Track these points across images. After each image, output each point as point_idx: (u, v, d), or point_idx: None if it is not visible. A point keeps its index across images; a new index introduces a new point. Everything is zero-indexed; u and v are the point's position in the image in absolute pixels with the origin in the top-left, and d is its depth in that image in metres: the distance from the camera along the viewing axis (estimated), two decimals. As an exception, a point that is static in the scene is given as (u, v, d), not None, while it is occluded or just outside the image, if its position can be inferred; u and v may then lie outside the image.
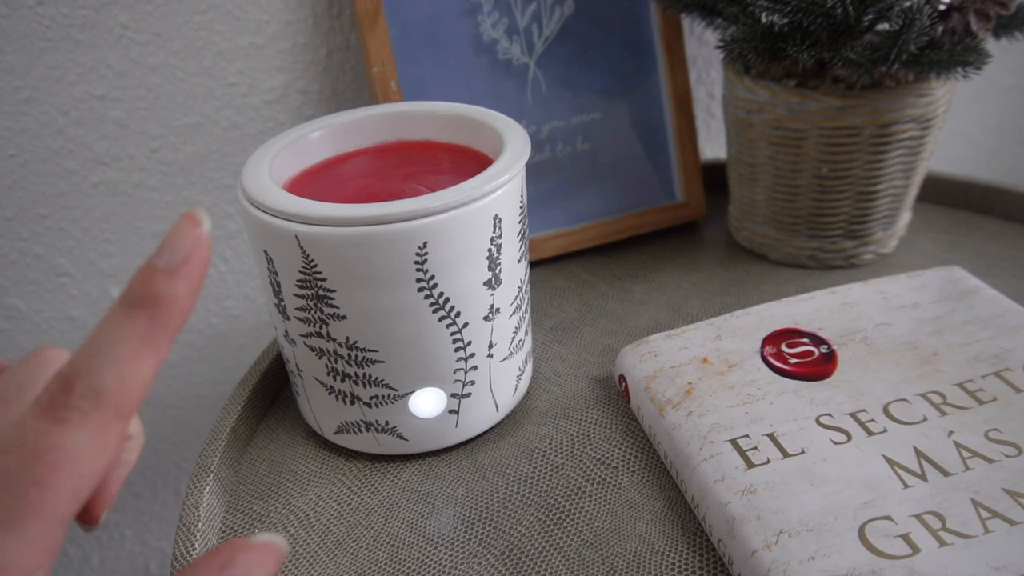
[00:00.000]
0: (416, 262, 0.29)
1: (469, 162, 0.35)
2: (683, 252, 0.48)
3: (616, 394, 0.37)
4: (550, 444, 0.35)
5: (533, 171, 0.47)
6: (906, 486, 0.28)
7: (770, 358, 0.34)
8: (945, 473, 0.28)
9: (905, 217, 0.45)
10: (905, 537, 0.26)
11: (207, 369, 0.54)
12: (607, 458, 0.34)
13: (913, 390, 0.32)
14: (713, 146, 0.60)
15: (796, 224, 0.44)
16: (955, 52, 0.36)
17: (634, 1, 0.47)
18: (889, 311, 0.37)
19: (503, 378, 0.34)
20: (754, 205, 0.46)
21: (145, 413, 0.55)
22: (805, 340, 0.35)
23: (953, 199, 0.50)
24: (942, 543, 0.26)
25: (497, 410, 0.35)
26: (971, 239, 0.47)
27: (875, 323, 0.36)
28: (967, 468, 0.28)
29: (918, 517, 0.27)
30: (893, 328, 0.36)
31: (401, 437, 0.34)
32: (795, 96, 0.40)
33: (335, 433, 0.35)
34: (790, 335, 0.36)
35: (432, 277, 0.30)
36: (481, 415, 0.34)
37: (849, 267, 0.45)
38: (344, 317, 0.31)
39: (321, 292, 0.30)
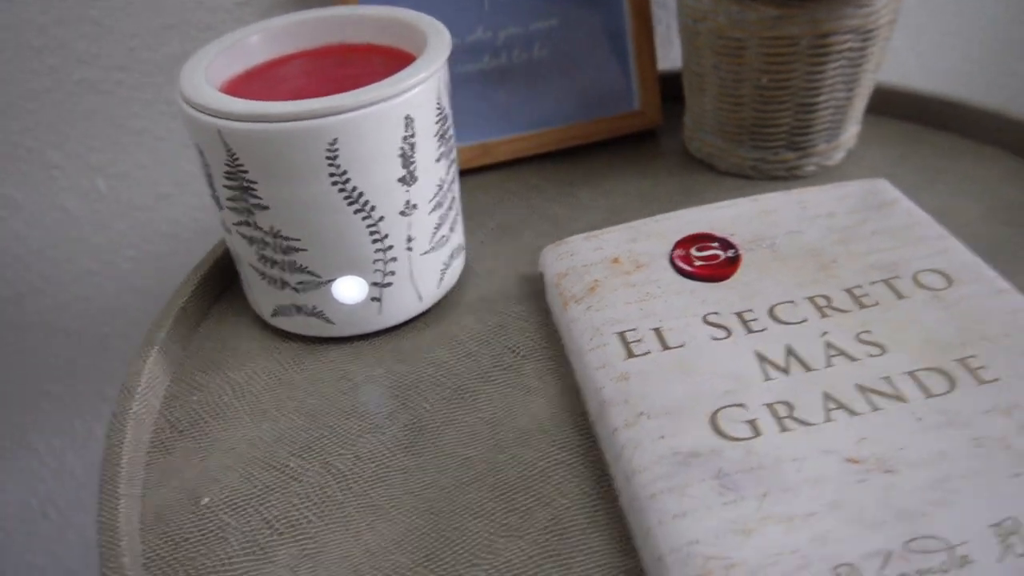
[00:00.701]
0: (328, 158, 0.32)
1: (402, 63, 0.37)
2: (635, 160, 0.49)
3: (540, 290, 0.40)
4: (469, 333, 0.37)
5: (490, 77, 0.48)
6: (768, 379, 0.30)
7: (677, 260, 0.36)
8: (807, 368, 0.30)
9: (851, 130, 0.46)
10: (752, 422, 0.28)
11: (192, 261, 0.58)
12: (518, 347, 0.36)
13: (803, 293, 0.34)
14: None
15: (740, 134, 0.45)
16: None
17: (596, -96, 0.47)
18: (804, 219, 0.38)
19: (425, 270, 0.37)
20: (703, 115, 0.46)
21: (128, 301, 0.59)
22: (715, 244, 0.37)
23: (907, 112, 0.50)
24: (783, 429, 0.28)
25: (421, 300, 0.38)
26: (921, 154, 0.47)
27: (787, 230, 0.37)
28: (829, 365, 0.30)
29: (769, 406, 0.29)
30: (803, 235, 0.37)
31: (328, 321, 0.37)
32: (735, 5, 0.40)
33: (272, 316, 0.38)
34: (702, 239, 0.37)
35: (344, 172, 0.32)
36: (403, 304, 0.37)
37: (792, 178, 0.46)
38: (267, 207, 0.33)
39: (245, 184, 0.33)
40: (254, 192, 0.33)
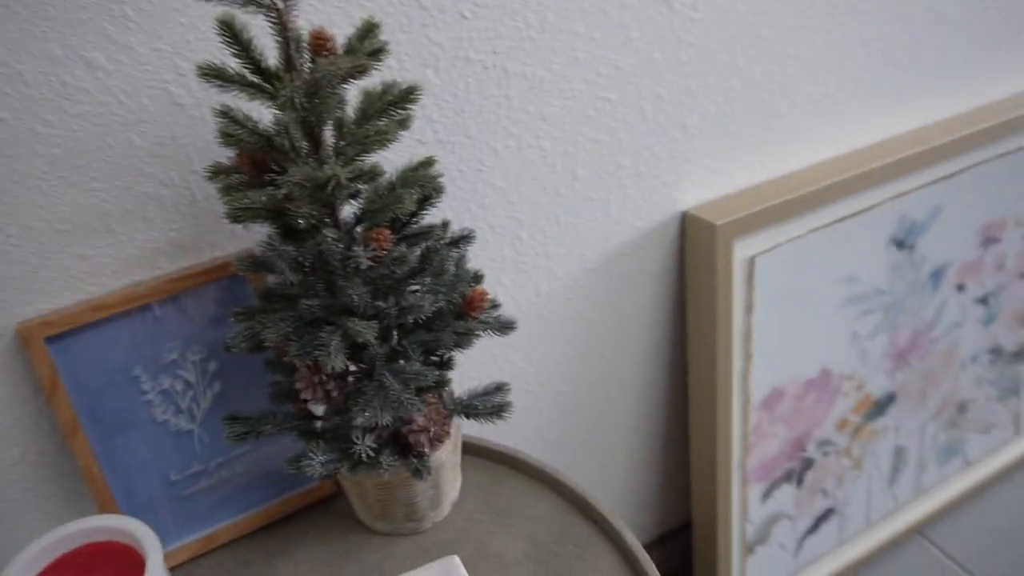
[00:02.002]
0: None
1: (137, 559, 0.58)
2: (319, 526, 0.73)
3: (248, 670, 0.62)
4: None
5: (211, 490, 0.70)
6: None
7: (324, 654, 0.60)
8: None
9: (451, 494, 0.72)
10: None
11: None
12: None
13: (391, 674, 0.59)
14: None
15: (377, 517, 0.70)
16: (418, 462, 0.62)
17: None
18: (404, 601, 0.63)
19: None
20: (355, 503, 0.71)
21: None
22: (348, 634, 0.61)
23: (493, 456, 0.77)
24: None
25: None
26: (499, 496, 0.74)
27: (392, 614, 0.63)
28: None
29: None
30: (400, 618, 0.62)
31: None
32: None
33: None
34: (341, 631, 0.62)
35: (100, 672, 0.54)
36: None
37: (416, 533, 0.71)
38: None
39: None
40: None
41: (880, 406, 1.23)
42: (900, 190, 1.06)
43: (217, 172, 0.56)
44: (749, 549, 1.18)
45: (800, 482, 1.19)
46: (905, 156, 1.02)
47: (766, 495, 1.15)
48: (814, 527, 1.25)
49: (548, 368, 0.94)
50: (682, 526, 1.30)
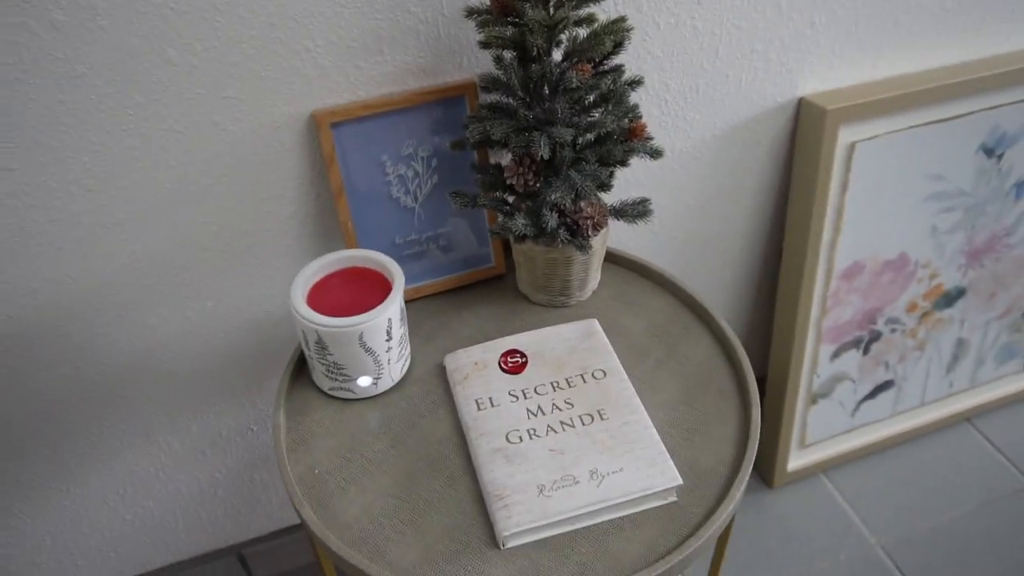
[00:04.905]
0: (358, 341, 0.81)
1: (384, 282, 0.85)
2: (493, 292, 0.99)
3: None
4: (413, 394, 0.87)
5: (420, 255, 0.97)
6: (529, 419, 0.81)
7: (501, 363, 0.87)
8: (545, 414, 0.81)
9: (593, 282, 0.97)
10: (520, 437, 0.80)
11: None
12: (436, 401, 0.87)
13: (549, 379, 0.85)
14: (527, 216, 1.09)
15: (538, 289, 0.95)
16: (582, 240, 0.86)
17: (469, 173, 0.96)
18: (558, 341, 0.89)
19: (396, 369, 0.86)
20: (522, 277, 0.97)
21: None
22: (518, 355, 0.88)
23: (627, 264, 1.01)
24: (531, 439, 0.79)
25: (393, 380, 0.87)
26: (628, 291, 0.98)
27: (550, 347, 0.88)
28: (552, 412, 0.82)
29: (528, 430, 0.80)
30: (555, 350, 0.88)
31: (354, 392, 0.86)
32: (528, 244, 0.90)
33: (329, 389, 0.87)
34: (512, 352, 0.88)
35: (365, 342, 0.81)
36: (387, 383, 0.87)
37: (566, 307, 0.97)
38: (333, 354, 0.82)
39: (323, 346, 0.81)
40: (327, 349, 0.82)
41: (949, 297, 1.41)
42: (997, 102, 1.21)
43: (472, 12, 0.80)
44: (813, 400, 1.40)
45: (866, 351, 1.39)
46: (1005, 71, 1.17)
47: (835, 355, 1.36)
48: (872, 394, 1.46)
49: (670, 215, 1.17)
50: (759, 380, 1.53)
